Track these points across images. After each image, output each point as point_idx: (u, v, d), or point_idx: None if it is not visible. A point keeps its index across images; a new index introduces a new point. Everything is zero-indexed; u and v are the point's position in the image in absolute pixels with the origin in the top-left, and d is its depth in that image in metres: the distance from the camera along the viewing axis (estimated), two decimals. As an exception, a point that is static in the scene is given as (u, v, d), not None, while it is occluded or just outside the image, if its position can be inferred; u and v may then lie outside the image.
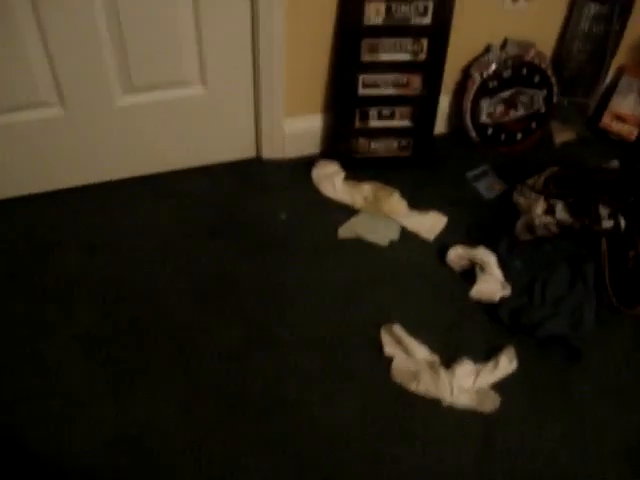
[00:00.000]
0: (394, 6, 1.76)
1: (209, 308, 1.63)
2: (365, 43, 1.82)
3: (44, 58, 1.64)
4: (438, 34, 1.81)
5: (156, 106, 1.83)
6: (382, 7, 1.76)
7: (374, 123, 1.97)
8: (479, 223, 1.87)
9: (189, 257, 1.75)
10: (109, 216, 1.84)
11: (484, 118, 2.04)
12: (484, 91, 1.98)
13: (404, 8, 1.75)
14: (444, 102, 2.05)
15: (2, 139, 1.75)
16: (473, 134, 2.06)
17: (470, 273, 1.69)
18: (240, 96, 1.89)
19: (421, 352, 1.53)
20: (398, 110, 1.96)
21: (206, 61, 1.77)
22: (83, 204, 1.87)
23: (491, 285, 1.64)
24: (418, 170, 2.03)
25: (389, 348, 1.55)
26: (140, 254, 1.75)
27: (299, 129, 2.00)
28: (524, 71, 2.00)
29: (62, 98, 1.73)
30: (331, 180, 1.95)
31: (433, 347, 1.55)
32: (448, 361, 1.52)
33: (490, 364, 1.51)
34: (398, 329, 1.56)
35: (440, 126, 2.09)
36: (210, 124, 1.92)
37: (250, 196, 1.93)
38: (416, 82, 1.88)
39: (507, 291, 1.64)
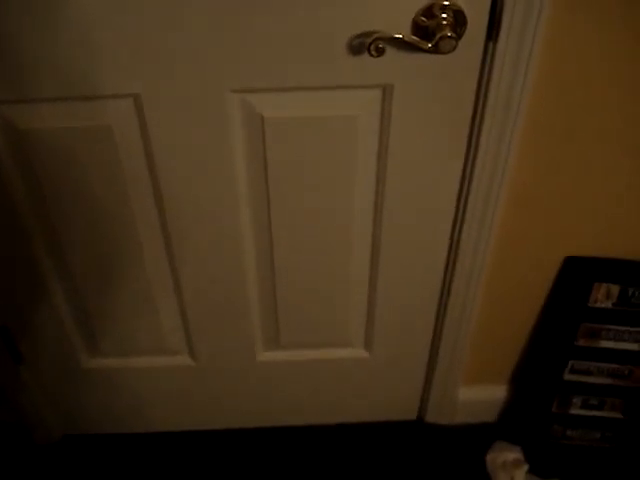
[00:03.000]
0: (631, 291, 1.35)
1: None
2: (584, 327, 1.41)
3: (175, 309, 1.34)
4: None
5: (303, 364, 1.49)
6: (615, 290, 1.35)
7: (576, 411, 1.55)
8: None
9: None
10: None
11: None
12: None
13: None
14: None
15: (127, 379, 1.47)
16: None
17: None
18: (410, 363, 1.52)
19: None
20: (610, 400, 1.52)
21: (374, 322, 1.41)
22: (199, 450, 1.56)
23: None
24: (625, 465, 1.57)
25: None
26: None
27: (475, 398, 1.61)
28: None
29: (192, 349, 1.43)
30: (509, 472, 1.53)
31: None
32: None
33: None
34: None
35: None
36: (364, 386, 1.56)
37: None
38: (641, 374, 1.45)
39: None
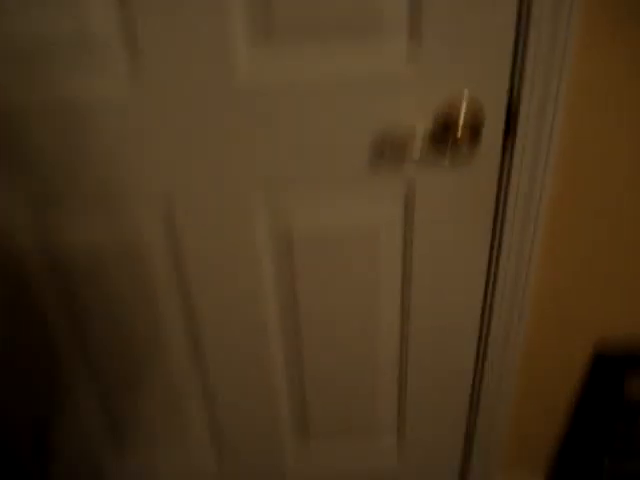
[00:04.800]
0: (668, 385, 1.30)
1: None
2: (620, 425, 1.36)
3: (204, 415, 1.34)
4: None
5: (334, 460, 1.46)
6: (651, 385, 1.31)
7: (618, 511, 1.46)
8: None
9: None
10: None
11: None
12: None
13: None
14: None
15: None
16: None
17: None
18: (444, 454, 1.47)
19: None
20: (653, 499, 1.44)
21: (406, 419, 1.38)
22: None
23: None
24: None
25: None
26: None
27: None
28: None
29: (221, 458, 1.41)
30: None
31: None
32: None
33: None
34: None
35: None
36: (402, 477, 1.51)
37: None
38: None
39: None
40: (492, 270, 1.14)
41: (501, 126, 0.97)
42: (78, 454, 1.43)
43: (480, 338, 1.26)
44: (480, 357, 1.28)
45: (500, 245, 1.09)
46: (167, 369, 1.27)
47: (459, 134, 0.94)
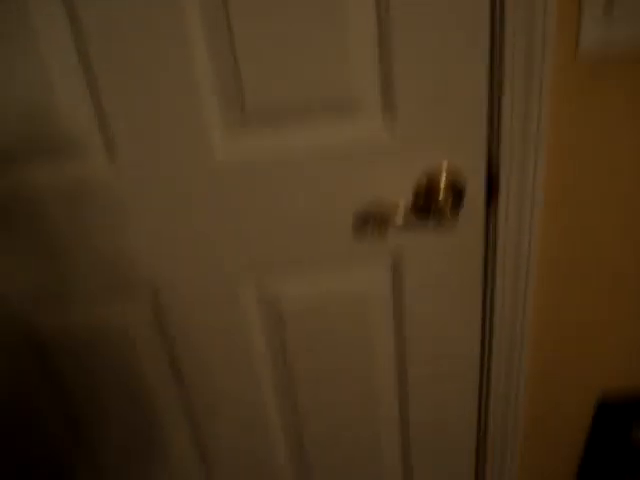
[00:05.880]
0: (674, 426, 1.28)
1: None
2: (628, 467, 1.33)
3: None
4: None
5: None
6: (657, 428, 1.29)
7: None
8: None
9: None
10: None
11: None
12: None
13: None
14: None
15: None
16: None
17: None
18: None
19: None
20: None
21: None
22: None
23: None
24: None
25: None
26: None
27: None
28: None
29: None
30: None
31: None
32: None
33: None
34: None
35: None
36: None
37: None
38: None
39: None
40: (487, 330, 1.13)
41: (482, 188, 0.97)
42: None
43: (480, 398, 1.24)
44: (482, 419, 1.25)
45: (493, 306, 1.08)
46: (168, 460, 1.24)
47: (441, 201, 0.93)
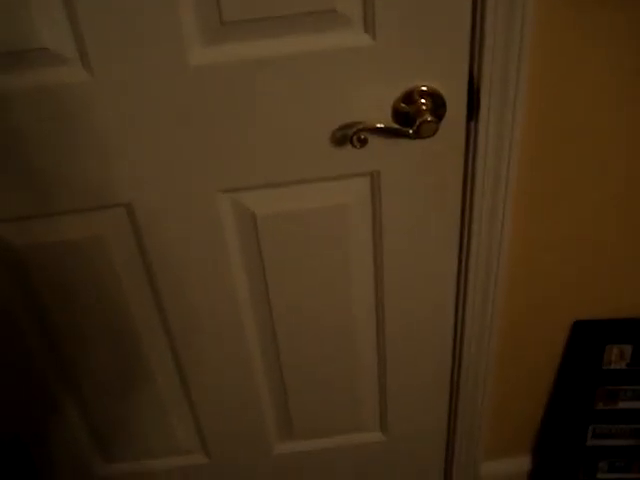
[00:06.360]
0: (645, 349, 1.32)
1: None
2: (601, 390, 1.37)
3: (187, 411, 1.33)
4: None
5: (319, 453, 1.46)
6: (628, 350, 1.33)
7: (603, 475, 1.49)
8: None
9: None
10: None
11: None
12: None
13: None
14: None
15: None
16: None
17: None
18: (428, 440, 1.47)
19: None
20: (636, 461, 1.47)
21: (387, 403, 1.38)
22: None
23: None
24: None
25: None
26: None
27: (499, 472, 1.55)
28: None
29: (206, 447, 1.40)
30: None
31: None
32: None
33: None
34: None
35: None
36: (384, 471, 1.51)
37: None
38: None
39: None
40: (464, 247, 1.13)
41: (464, 100, 0.96)
42: (66, 462, 1.41)
43: (456, 320, 1.25)
44: (458, 336, 1.27)
45: (471, 220, 1.08)
46: (150, 375, 1.25)
47: (422, 111, 0.93)
